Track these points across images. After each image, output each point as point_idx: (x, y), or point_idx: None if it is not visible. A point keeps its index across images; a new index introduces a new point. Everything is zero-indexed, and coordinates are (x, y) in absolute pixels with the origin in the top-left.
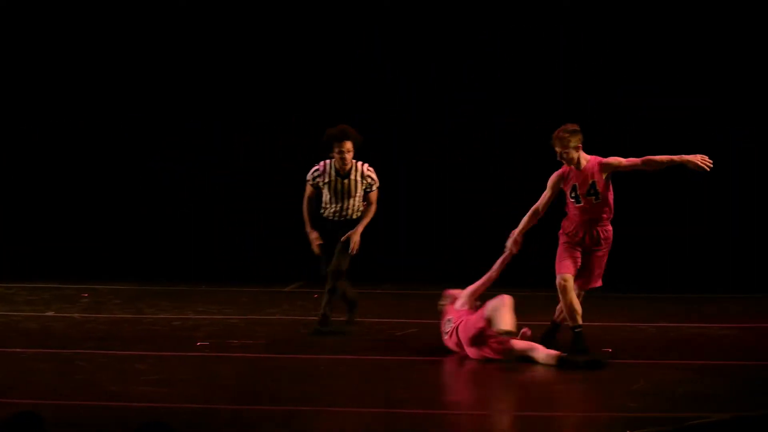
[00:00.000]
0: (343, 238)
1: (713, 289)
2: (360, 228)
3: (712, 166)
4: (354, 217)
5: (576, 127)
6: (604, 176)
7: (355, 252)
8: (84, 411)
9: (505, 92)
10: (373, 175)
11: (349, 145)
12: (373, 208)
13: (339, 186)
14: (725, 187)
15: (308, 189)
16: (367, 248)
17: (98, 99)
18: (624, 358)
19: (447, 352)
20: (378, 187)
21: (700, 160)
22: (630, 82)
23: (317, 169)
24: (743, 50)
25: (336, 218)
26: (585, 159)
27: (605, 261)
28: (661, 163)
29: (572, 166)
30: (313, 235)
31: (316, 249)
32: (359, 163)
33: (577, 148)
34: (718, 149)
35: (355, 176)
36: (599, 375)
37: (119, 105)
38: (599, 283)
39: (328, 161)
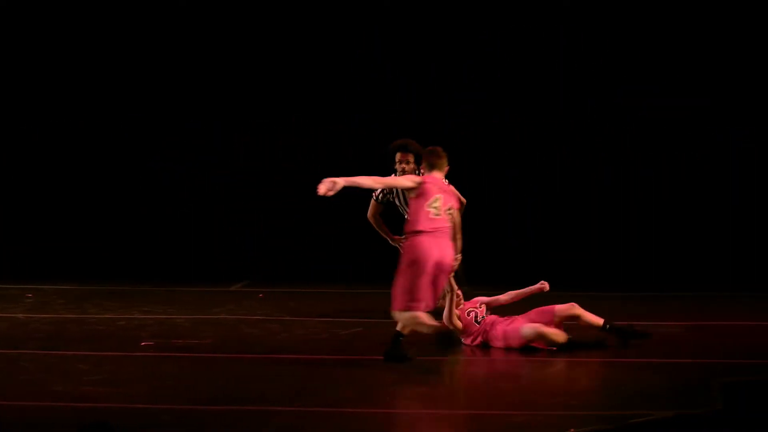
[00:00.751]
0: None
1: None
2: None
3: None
4: None
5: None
6: None
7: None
8: (28, 411)
9: (505, 92)
10: None
11: (408, 157)
12: (462, 204)
13: (407, 199)
14: (725, 187)
15: (374, 206)
16: (366, 248)
17: (98, 99)
18: (567, 356)
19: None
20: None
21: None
22: (630, 82)
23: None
24: (743, 50)
25: None
26: None
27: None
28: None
29: None
30: (399, 239)
31: (399, 243)
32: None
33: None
34: (718, 149)
35: None
36: (544, 373)
37: (119, 105)
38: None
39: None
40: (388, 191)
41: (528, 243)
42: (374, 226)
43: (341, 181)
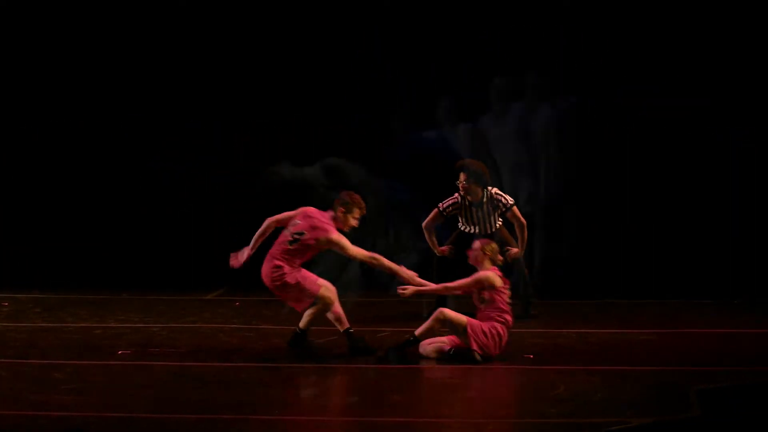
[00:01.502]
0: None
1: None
2: (522, 251)
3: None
4: (492, 231)
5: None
6: None
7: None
8: (3, 420)
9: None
10: (503, 198)
11: (462, 176)
12: (524, 226)
13: (472, 214)
14: (725, 187)
15: (435, 217)
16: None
17: (98, 99)
18: (544, 364)
19: (362, 359)
20: (513, 204)
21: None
22: (630, 82)
23: (455, 202)
24: (743, 50)
25: (476, 233)
26: None
27: None
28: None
29: None
30: (444, 249)
31: (444, 253)
32: (488, 190)
33: None
34: (718, 149)
35: (487, 203)
36: (520, 381)
37: (119, 105)
38: None
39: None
40: (457, 207)
41: (528, 243)
42: (425, 234)
43: (246, 251)
